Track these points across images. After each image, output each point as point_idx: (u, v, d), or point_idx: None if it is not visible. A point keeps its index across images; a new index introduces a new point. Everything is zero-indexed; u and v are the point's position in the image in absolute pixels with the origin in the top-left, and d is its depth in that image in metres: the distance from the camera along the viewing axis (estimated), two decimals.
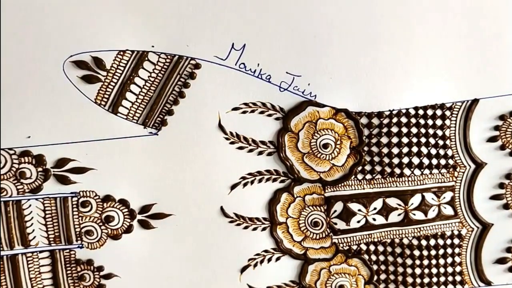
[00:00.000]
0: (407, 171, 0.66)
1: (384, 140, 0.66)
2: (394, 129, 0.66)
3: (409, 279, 0.68)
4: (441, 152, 0.67)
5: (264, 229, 0.67)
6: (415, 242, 0.68)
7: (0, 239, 0.64)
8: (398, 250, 0.68)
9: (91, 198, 0.64)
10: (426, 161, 0.66)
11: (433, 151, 0.66)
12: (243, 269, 0.67)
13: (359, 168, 0.66)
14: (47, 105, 0.63)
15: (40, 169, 0.63)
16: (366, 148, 0.66)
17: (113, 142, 0.63)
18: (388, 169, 0.66)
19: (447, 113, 0.66)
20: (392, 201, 0.67)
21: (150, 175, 0.65)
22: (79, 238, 0.65)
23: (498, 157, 0.67)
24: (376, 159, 0.66)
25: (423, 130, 0.66)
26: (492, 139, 0.67)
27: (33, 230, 0.65)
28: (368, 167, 0.66)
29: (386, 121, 0.65)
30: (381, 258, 0.68)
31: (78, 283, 0.66)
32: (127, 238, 0.66)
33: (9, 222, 0.64)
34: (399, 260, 0.68)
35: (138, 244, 0.66)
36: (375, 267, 0.68)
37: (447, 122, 0.66)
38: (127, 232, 0.65)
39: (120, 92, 0.62)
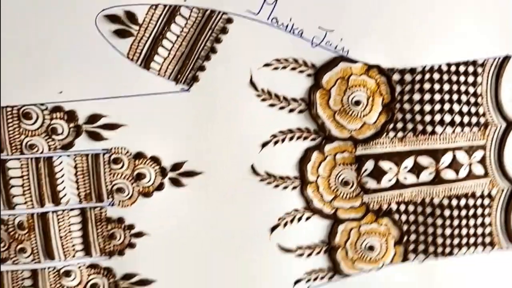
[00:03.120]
0: (438, 129, 0.67)
1: (417, 96, 0.66)
2: (427, 86, 0.66)
3: (439, 240, 0.69)
4: (473, 110, 0.67)
5: (294, 188, 0.67)
6: (445, 201, 0.68)
7: (31, 196, 0.64)
8: (428, 209, 0.68)
9: (122, 155, 0.64)
10: (458, 118, 0.67)
11: (465, 109, 0.67)
12: (273, 228, 0.68)
13: (391, 125, 0.66)
14: (79, 60, 0.63)
15: (71, 125, 0.64)
16: (398, 105, 0.66)
17: (145, 98, 0.64)
18: (420, 127, 0.67)
19: (479, 69, 0.66)
20: (424, 160, 0.67)
21: (181, 132, 0.65)
22: (110, 196, 0.65)
23: None
24: (408, 116, 0.67)
25: (455, 87, 0.66)
26: None
27: (64, 188, 0.65)
28: (400, 125, 0.67)
29: (418, 77, 0.66)
30: (412, 218, 0.68)
31: (109, 241, 0.66)
32: (158, 196, 0.66)
33: (40, 179, 0.64)
34: (429, 220, 0.68)
35: (169, 202, 0.66)
36: (405, 227, 0.68)
37: (479, 79, 0.67)
38: (158, 190, 0.66)
39: (152, 47, 0.63)
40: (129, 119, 0.65)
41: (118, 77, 0.64)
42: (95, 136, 0.65)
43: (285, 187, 0.67)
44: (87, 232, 0.66)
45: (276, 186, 0.67)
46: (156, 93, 0.64)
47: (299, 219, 0.68)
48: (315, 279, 0.69)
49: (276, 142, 0.67)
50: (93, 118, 0.64)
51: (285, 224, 0.68)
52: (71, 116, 0.64)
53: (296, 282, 0.69)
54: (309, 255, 0.69)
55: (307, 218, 0.68)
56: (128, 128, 0.65)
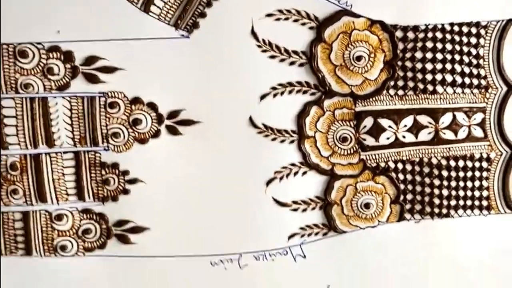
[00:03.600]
0: (439, 89, 0.66)
1: (419, 55, 0.66)
2: (429, 44, 0.65)
3: (436, 201, 0.68)
4: (474, 71, 0.67)
5: (292, 142, 0.67)
6: (443, 162, 0.68)
7: (25, 137, 0.63)
8: (426, 169, 0.68)
9: (119, 99, 0.64)
10: (459, 79, 0.66)
11: (467, 70, 0.66)
12: (268, 182, 0.67)
13: (392, 83, 0.66)
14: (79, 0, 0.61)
15: (68, 65, 0.63)
16: (399, 63, 0.65)
17: (144, 42, 0.63)
18: (421, 85, 0.66)
19: (482, 31, 0.66)
20: (423, 119, 0.67)
21: (179, 79, 0.65)
22: (105, 140, 0.64)
23: None
24: (410, 74, 0.66)
25: (457, 47, 0.66)
26: None
27: (58, 130, 0.65)
28: (400, 83, 0.66)
29: (421, 35, 0.65)
30: (409, 177, 0.68)
31: (102, 187, 0.65)
32: (154, 143, 0.66)
33: (34, 120, 0.64)
34: (427, 180, 0.68)
35: (164, 150, 0.66)
36: (402, 186, 0.68)
37: (482, 41, 0.66)
38: (154, 137, 0.65)
39: None
40: (127, 63, 0.64)
41: (117, 19, 0.64)
42: (92, 79, 0.64)
43: (283, 141, 0.67)
44: (81, 176, 0.66)
45: (274, 139, 0.67)
46: (155, 38, 0.63)
47: (296, 173, 0.68)
48: (309, 235, 0.69)
49: (275, 95, 0.66)
50: (91, 60, 0.64)
51: (281, 178, 0.67)
52: (68, 56, 0.63)
53: (291, 236, 0.68)
54: (304, 210, 0.68)
55: (304, 173, 0.68)
56: (126, 72, 0.64)
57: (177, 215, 0.67)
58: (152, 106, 0.65)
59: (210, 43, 0.64)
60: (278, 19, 0.64)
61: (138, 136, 0.65)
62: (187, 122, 0.66)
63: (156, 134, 0.65)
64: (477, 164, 0.69)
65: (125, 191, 0.66)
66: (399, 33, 0.66)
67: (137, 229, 0.67)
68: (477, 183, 0.69)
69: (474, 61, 0.67)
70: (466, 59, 0.67)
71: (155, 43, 0.63)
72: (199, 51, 0.64)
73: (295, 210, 0.68)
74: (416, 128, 0.67)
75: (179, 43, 0.64)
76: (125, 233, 0.67)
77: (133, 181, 0.66)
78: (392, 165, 0.68)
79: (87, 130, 0.64)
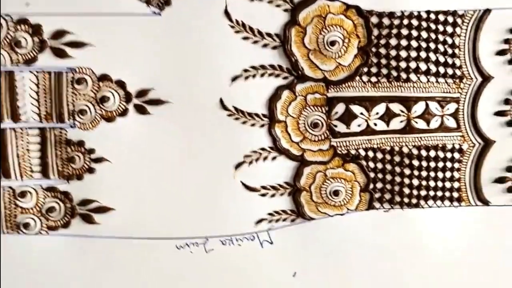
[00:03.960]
0: (413, 77, 0.66)
1: (393, 42, 0.65)
2: (404, 31, 0.65)
3: (406, 190, 0.68)
4: (449, 60, 0.66)
5: (262, 125, 0.66)
6: (415, 151, 0.67)
7: None
8: (397, 158, 0.67)
9: (87, 76, 0.63)
10: (433, 68, 0.66)
11: (441, 59, 0.66)
12: (237, 166, 0.67)
13: (365, 69, 0.65)
14: None
15: (36, 39, 0.62)
16: (374, 49, 0.65)
17: (114, 18, 0.63)
18: (394, 73, 0.66)
19: (459, 20, 0.65)
20: (395, 107, 0.66)
21: (150, 58, 0.64)
22: (71, 117, 0.63)
23: (506, 72, 0.67)
24: (383, 61, 0.65)
25: (433, 36, 0.65)
26: (501, 53, 0.66)
27: (24, 105, 0.63)
28: (374, 69, 0.66)
29: (396, 22, 0.65)
30: (379, 166, 0.68)
31: (68, 164, 0.64)
32: (121, 122, 0.65)
33: (0, 94, 0.62)
34: (397, 169, 0.67)
35: (132, 129, 0.65)
36: (372, 174, 0.67)
37: (458, 30, 0.66)
38: (122, 115, 0.64)
39: None
40: (96, 39, 0.64)
41: None
42: (59, 53, 0.63)
43: (253, 125, 0.66)
44: (46, 153, 0.65)
45: (244, 122, 0.66)
46: (126, 14, 0.62)
47: (265, 158, 0.67)
48: (277, 221, 0.68)
49: (247, 77, 0.65)
50: (59, 34, 0.63)
51: (251, 163, 0.67)
52: (36, 29, 0.63)
53: (258, 222, 0.67)
54: (273, 195, 0.68)
55: (273, 158, 0.67)
56: (95, 48, 0.64)
57: (143, 197, 0.66)
58: (121, 84, 0.64)
59: (182, 22, 0.64)
60: (252, 0, 0.63)
61: (105, 114, 0.64)
62: (156, 102, 0.65)
63: (124, 112, 0.64)
64: (448, 155, 0.68)
65: (91, 170, 0.65)
66: (374, 19, 0.65)
67: (102, 209, 0.66)
68: (448, 174, 0.68)
69: (450, 50, 0.66)
70: (441, 48, 0.66)
71: (126, 20, 0.63)
72: (171, 29, 0.63)
73: (263, 195, 0.67)
74: (388, 116, 0.67)
75: (150, 20, 0.63)
76: (89, 213, 0.66)
77: (99, 160, 0.65)
78: (362, 152, 0.68)
79: (54, 106, 0.63)
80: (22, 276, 0.66)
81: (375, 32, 0.65)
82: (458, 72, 0.67)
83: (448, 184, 0.68)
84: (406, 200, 0.68)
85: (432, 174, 0.68)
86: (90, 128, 0.64)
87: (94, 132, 0.64)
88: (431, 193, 0.68)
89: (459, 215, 0.70)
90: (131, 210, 0.66)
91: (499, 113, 0.68)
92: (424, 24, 0.65)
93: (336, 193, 0.68)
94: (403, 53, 0.66)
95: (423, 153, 0.67)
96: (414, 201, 0.68)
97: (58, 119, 0.63)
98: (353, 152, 0.67)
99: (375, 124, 0.67)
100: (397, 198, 0.68)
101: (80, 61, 0.63)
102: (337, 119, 0.67)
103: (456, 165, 0.68)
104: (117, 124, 0.64)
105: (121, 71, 0.64)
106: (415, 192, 0.68)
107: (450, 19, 0.66)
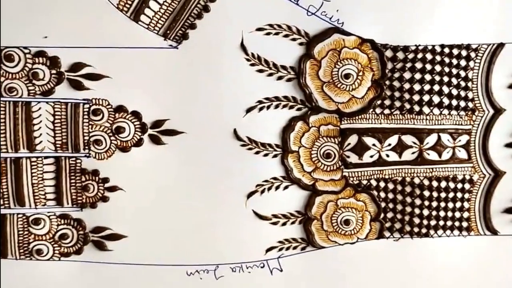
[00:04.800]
0: (426, 109, 0.81)
1: (407, 75, 0.80)
2: (418, 65, 0.80)
3: (416, 220, 0.83)
4: (462, 93, 0.81)
5: (275, 156, 0.81)
6: (426, 182, 0.83)
7: (6, 140, 0.77)
8: (408, 189, 0.83)
9: (103, 107, 0.77)
10: (446, 101, 0.81)
11: (454, 92, 0.81)
12: (249, 195, 0.81)
13: (378, 102, 0.80)
14: (68, 6, 0.73)
15: (54, 71, 0.75)
16: (387, 82, 0.80)
17: (132, 51, 0.76)
18: (407, 105, 0.80)
19: (472, 54, 0.80)
20: (408, 139, 0.81)
21: (166, 89, 0.77)
22: (86, 147, 0.78)
23: None
24: (397, 94, 0.80)
25: (446, 69, 0.80)
26: None
27: (40, 135, 0.77)
28: (387, 102, 0.80)
29: (411, 56, 0.79)
30: (390, 196, 0.83)
31: (81, 193, 0.79)
32: (136, 152, 0.78)
33: (17, 124, 0.77)
34: (408, 199, 0.83)
35: (146, 159, 0.78)
36: (383, 204, 0.83)
37: (471, 63, 0.81)
38: (136, 145, 0.78)
39: (144, 0, 0.76)
40: (113, 71, 0.76)
41: (106, 27, 0.75)
42: (76, 85, 0.76)
43: (266, 155, 0.81)
44: (60, 182, 0.79)
45: (257, 152, 0.81)
46: (143, 47, 0.77)
47: (277, 187, 0.82)
48: (287, 249, 0.83)
49: (261, 109, 0.80)
50: (76, 67, 0.76)
51: (263, 191, 0.82)
52: (54, 62, 0.75)
53: (268, 249, 0.83)
54: (284, 224, 0.82)
55: (285, 188, 0.82)
56: (111, 80, 0.77)
57: (155, 224, 0.80)
58: (136, 114, 0.78)
59: (199, 55, 0.77)
60: (268, 34, 0.78)
61: (120, 144, 0.79)
62: (171, 132, 0.79)
63: (139, 142, 0.79)
64: (459, 186, 0.84)
65: (104, 198, 0.80)
66: (388, 53, 0.80)
67: (114, 236, 0.81)
68: (458, 204, 0.84)
69: (463, 83, 0.82)
70: (454, 81, 0.81)
71: (143, 52, 0.76)
72: (187, 61, 0.77)
73: (274, 223, 0.82)
74: (400, 147, 0.82)
75: (167, 53, 0.77)
76: (102, 240, 0.81)
77: (113, 188, 0.79)
78: (374, 183, 0.83)
79: (69, 136, 0.78)
80: None
81: (389, 65, 0.80)
82: (470, 105, 0.82)
83: (457, 214, 0.84)
84: (416, 229, 0.84)
85: (442, 204, 0.84)
86: (105, 157, 0.79)
87: (108, 162, 0.79)
88: (441, 222, 0.84)
89: (468, 245, 0.85)
90: (143, 237, 0.80)
91: (510, 145, 0.83)
92: (438, 57, 0.80)
93: (347, 222, 0.84)
94: (417, 86, 0.81)
95: (434, 183, 0.83)
96: (424, 230, 0.84)
97: (74, 149, 0.78)
98: (364, 182, 0.83)
99: (387, 155, 0.82)
100: (407, 228, 0.84)
101: (97, 92, 0.76)
102: (350, 150, 0.82)
103: (466, 195, 0.84)
104: (132, 154, 0.78)
105: (137, 102, 0.77)
106: (425, 222, 0.84)
107: (464, 52, 0.81)
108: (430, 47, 0.77)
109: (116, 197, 0.78)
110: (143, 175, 0.77)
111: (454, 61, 0.78)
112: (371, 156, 0.79)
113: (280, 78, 0.77)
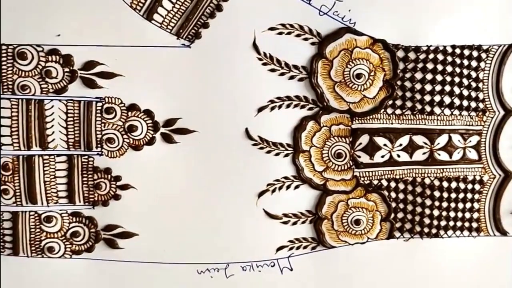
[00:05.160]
0: (437, 110, 0.81)
1: (418, 75, 0.80)
2: (429, 65, 0.80)
3: (426, 220, 0.83)
4: (473, 94, 0.81)
5: (286, 155, 0.81)
6: (436, 182, 0.83)
7: (19, 138, 0.78)
8: (418, 189, 0.83)
9: (116, 105, 0.78)
10: (457, 101, 0.81)
11: (465, 92, 0.81)
12: (260, 194, 0.81)
13: (390, 102, 0.81)
14: (81, 4, 0.74)
15: (67, 69, 0.76)
16: (399, 82, 0.81)
17: (144, 50, 0.76)
18: (418, 106, 0.81)
19: (483, 55, 0.81)
20: (419, 139, 0.82)
21: (178, 88, 0.77)
22: (99, 145, 0.79)
23: None
24: (408, 94, 0.81)
25: (457, 70, 0.81)
26: None
27: (53, 133, 0.78)
28: (399, 102, 0.81)
29: (422, 56, 0.80)
30: (401, 196, 0.83)
31: (93, 191, 0.80)
32: (148, 150, 0.79)
33: (29, 121, 0.77)
34: (419, 199, 0.83)
35: (158, 158, 0.79)
36: (393, 204, 0.84)
37: (482, 64, 0.81)
38: (149, 144, 0.78)
39: None
40: (126, 70, 0.77)
41: (119, 25, 0.75)
42: (89, 83, 0.77)
43: (277, 154, 0.81)
44: (72, 180, 0.80)
45: (268, 152, 0.81)
46: (156, 46, 0.77)
47: (288, 187, 0.82)
48: (298, 248, 0.84)
49: (273, 108, 0.80)
50: (89, 65, 0.76)
51: (273, 191, 0.82)
52: (67, 60, 0.76)
53: (279, 249, 0.83)
54: (294, 223, 0.83)
55: (296, 187, 0.82)
56: (124, 78, 0.77)
57: (167, 223, 0.80)
58: (149, 113, 0.78)
59: (211, 54, 0.77)
60: (280, 33, 0.78)
61: (132, 143, 0.79)
62: (183, 131, 0.79)
63: (151, 141, 0.79)
64: (469, 186, 0.84)
65: (116, 197, 0.80)
66: (400, 53, 0.80)
67: (125, 234, 0.81)
68: (468, 205, 0.84)
69: (474, 84, 0.82)
70: (465, 81, 0.82)
71: (156, 51, 0.77)
72: (200, 61, 0.77)
73: (285, 223, 0.83)
74: (411, 147, 0.83)
75: (180, 52, 0.78)
76: (113, 238, 0.81)
77: (125, 186, 0.80)
78: (385, 183, 0.84)
79: (82, 134, 0.79)
80: None
81: (401, 65, 0.80)
82: (481, 106, 0.82)
83: (467, 215, 0.84)
84: (426, 230, 0.84)
85: (452, 204, 0.84)
86: (117, 156, 0.79)
87: (121, 160, 0.79)
88: (451, 223, 0.84)
89: (477, 245, 0.85)
90: (154, 235, 0.81)
91: None
92: (449, 58, 0.81)
93: (357, 222, 0.84)
94: (428, 87, 0.81)
95: (445, 184, 0.83)
96: (434, 231, 0.84)
97: (86, 147, 0.79)
98: (375, 182, 0.84)
99: (398, 156, 0.83)
100: (417, 228, 0.84)
101: (110, 91, 0.77)
102: (361, 150, 0.83)
103: (476, 196, 0.84)
104: (144, 152, 0.79)
105: (149, 101, 0.77)
106: (435, 222, 0.84)
107: (475, 53, 0.81)
108: (441, 48, 0.78)
109: (128, 195, 0.78)
110: (155, 174, 0.78)
111: (465, 62, 0.78)
112: (382, 156, 0.80)
113: (292, 77, 0.77)
